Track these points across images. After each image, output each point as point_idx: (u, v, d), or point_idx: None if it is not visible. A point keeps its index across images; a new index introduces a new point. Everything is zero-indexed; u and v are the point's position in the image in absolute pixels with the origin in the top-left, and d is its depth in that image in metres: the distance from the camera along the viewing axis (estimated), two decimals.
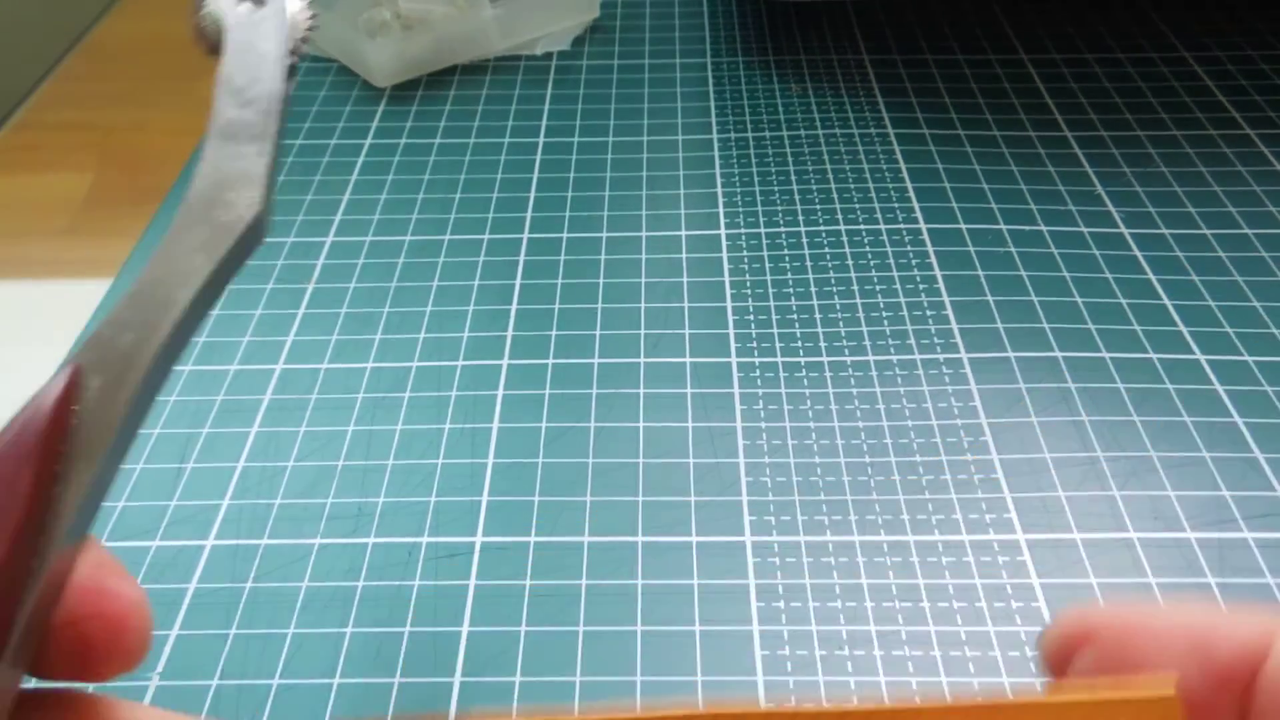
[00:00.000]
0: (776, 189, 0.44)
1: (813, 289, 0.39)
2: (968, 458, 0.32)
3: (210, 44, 0.20)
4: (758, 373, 0.35)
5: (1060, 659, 0.17)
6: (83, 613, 0.16)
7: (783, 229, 0.42)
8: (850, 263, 0.40)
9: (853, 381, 0.35)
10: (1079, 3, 0.56)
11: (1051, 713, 0.15)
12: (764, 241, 0.41)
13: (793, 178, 0.44)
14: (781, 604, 0.28)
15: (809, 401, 0.34)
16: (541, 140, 0.48)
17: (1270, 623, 0.16)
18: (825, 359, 0.36)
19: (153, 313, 0.17)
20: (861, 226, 0.41)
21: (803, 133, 0.47)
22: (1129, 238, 0.40)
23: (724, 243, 0.41)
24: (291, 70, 0.20)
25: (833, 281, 0.39)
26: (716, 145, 0.47)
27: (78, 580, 0.16)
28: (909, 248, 0.40)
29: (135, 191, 0.47)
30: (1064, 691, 0.15)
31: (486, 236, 0.42)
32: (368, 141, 0.48)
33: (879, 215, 0.42)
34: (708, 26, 0.56)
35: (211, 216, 0.18)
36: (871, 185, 0.44)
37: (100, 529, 0.31)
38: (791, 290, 0.39)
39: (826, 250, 0.40)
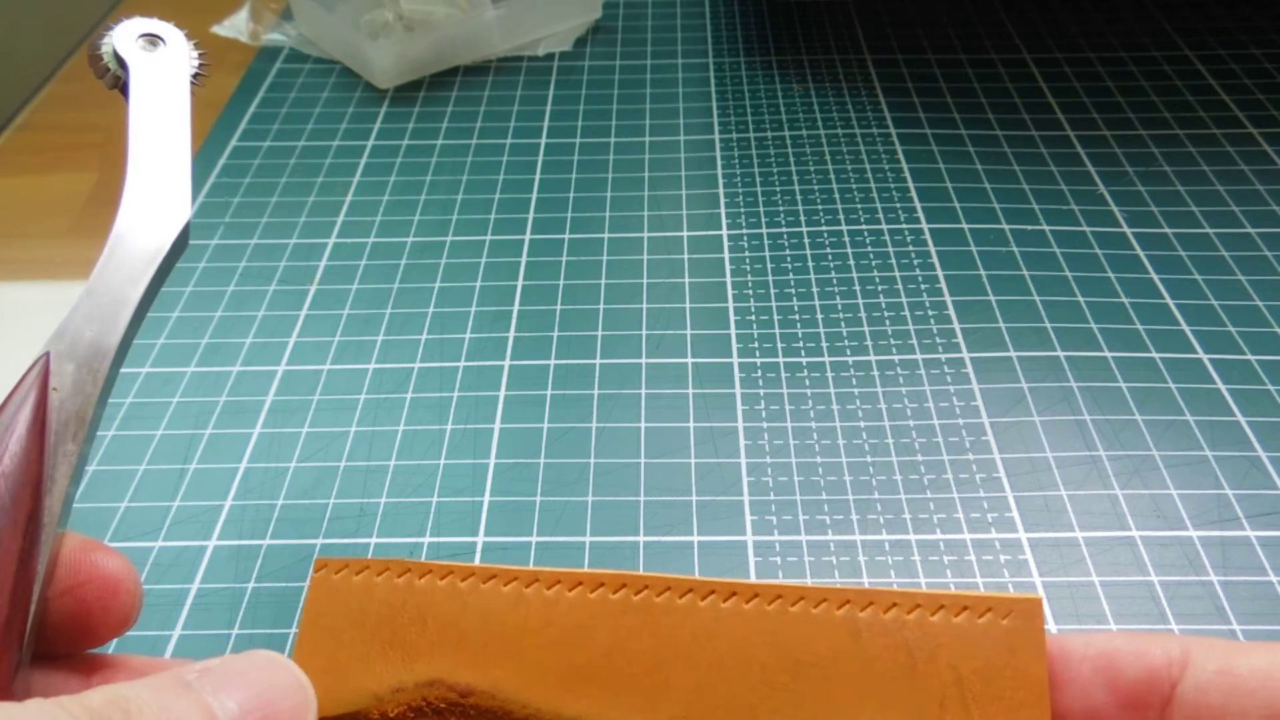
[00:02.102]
0: (778, 189, 0.44)
1: (814, 289, 0.39)
2: (970, 457, 0.32)
3: (111, 80, 0.24)
4: (759, 373, 0.35)
5: None
6: (77, 580, 0.16)
7: (784, 229, 0.42)
8: (852, 263, 0.40)
9: (854, 381, 0.35)
10: (1082, 1, 0.56)
11: (934, 600, 0.18)
12: (766, 242, 0.41)
13: (794, 178, 0.44)
14: None
15: (811, 401, 0.34)
16: (544, 141, 0.48)
17: (1176, 645, 0.16)
18: (827, 359, 0.36)
19: (110, 308, 0.20)
20: (863, 226, 0.41)
21: (804, 133, 0.47)
22: (1131, 237, 0.40)
23: (726, 243, 0.41)
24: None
25: (834, 281, 0.39)
26: (718, 145, 0.47)
27: (66, 554, 0.16)
28: (911, 247, 0.40)
29: None
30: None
31: (488, 237, 0.42)
32: (370, 143, 0.48)
33: (881, 215, 0.42)
34: (709, 26, 0.56)
35: (148, 226, 0.21)
36: (873, 185, 0.44)
37: (103, 529, 0.31)
38: (793, 290, 0.39)
39: (828, 250, 0.40)
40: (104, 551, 0.18)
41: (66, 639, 0.17)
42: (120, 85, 0.24)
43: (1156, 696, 0.16)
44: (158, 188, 0.22)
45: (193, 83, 0.24)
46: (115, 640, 0.28)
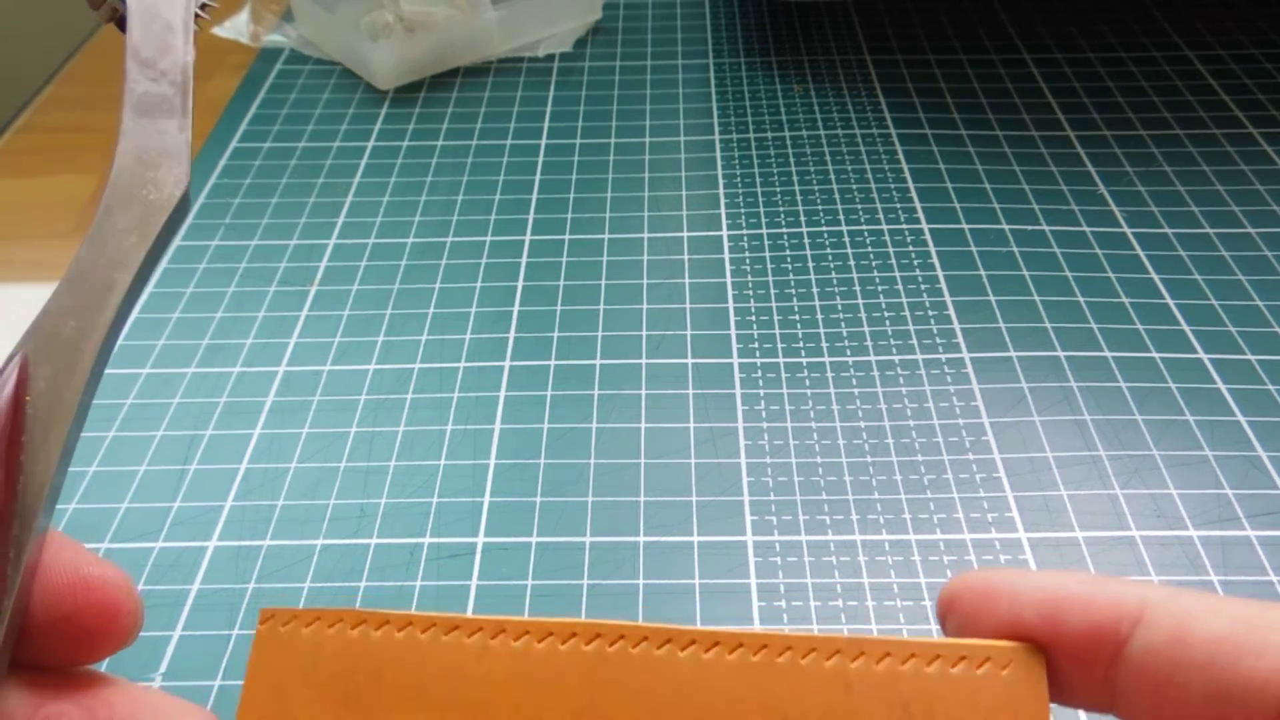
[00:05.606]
0: (778, 189, 0.44)
1: (814, 289, 0.39)
2: (970, 457, 0.32)
3: (108, 12, 0.20)
4: (759, 373, 0.35)
5: (945, 625, 0.17)
6: (76, 605, 0.16)
7: (785, 229, 0.42)
8: (852, 263, 0.40)
9: (855, 381, 0.35)
10: (1082, 1, 0.56)
11: (930, 649, 0.17)
12: (766, 242, 0.41)
13: (794, 178, 0.44)
14: (783, 603, 0.28)
15: (811, 401, 0.34)
16: (544, 142, 0.48)
17: (1133, 598, 0.15)
18: (827, 359, 0.36)
19: (93, 297, 0.17)
20: (863, 226, 0.41)
21: (804, 133, 0.47)
22: (1131, 237, 0.40)
23: (726, 243, 0.41)
24: (195, 37, 0.20)
25: (834, 282, 0.39)
26: (718, 146, 0.47)
27: (62, 575, 0.16)
28: (911, 248, 0.40)
29: None
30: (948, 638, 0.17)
31: (489, 238, 0.42)
32: (370, 144, 0.48)
33: (881, 215, 0.42)
34: (709, 27, 0.56)
35: (140, 196, 0.18)
36: (873, 185, 0.44)
37: (103, 530, 0.31)
38: (793, 291, 0.39)
39: (828, 250, 0.40)
40: (98, 564, 0.17)
41: (59, 657, 0.17)
42: (118, 19, 0.20)
43: (1102, 654, 0.15)
44: (153, 150, 0.18)
45: (199, 15, 0.20)
46: None
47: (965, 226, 0.41)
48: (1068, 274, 0.38)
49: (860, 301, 0.38)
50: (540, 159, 0.47)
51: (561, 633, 0.18)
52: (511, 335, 0.37)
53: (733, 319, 0.37)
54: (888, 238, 0.41)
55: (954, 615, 0.17)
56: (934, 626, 0.28)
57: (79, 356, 0.17)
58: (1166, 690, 0.15)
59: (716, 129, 0.48)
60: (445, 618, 0.18)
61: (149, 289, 0.40)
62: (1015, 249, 0.40)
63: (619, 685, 0.17)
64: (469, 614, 0.19)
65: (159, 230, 0.18)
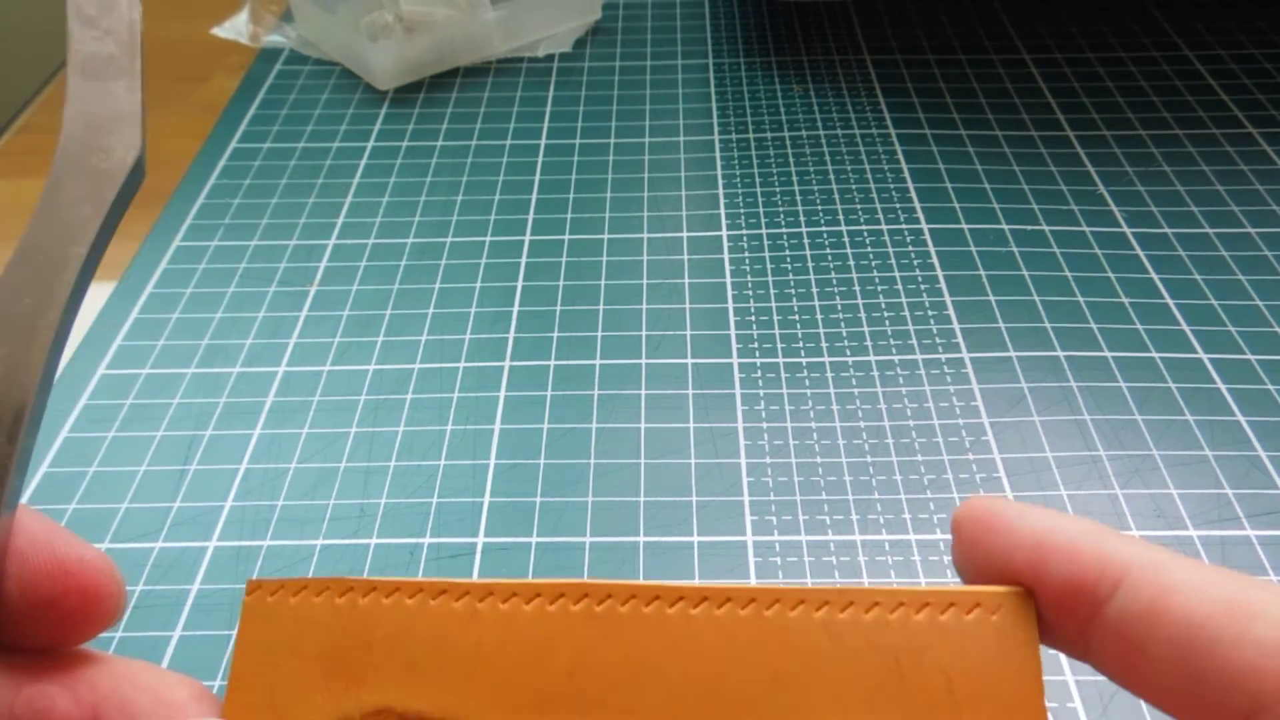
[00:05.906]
0: (778, 189, 0.44)
1: (814, 289, 0.39)
2: (970, 457, 0.32)
3: None
4: (759, 373, 0.35)
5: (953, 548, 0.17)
6: (55, 591, 0.16)
7: (784, 229, 0.42)
8: (852, 263, 0.40)
9: (854, 381, 0.35)
10: (1082, 1, 0.56)
11: (919, 597, 0.17)
12: (765, 242, 0.41)
13: (794, 178, 0.44)
14: None
15: (810, 402, 0.34)
16: (543, 142, 0.48)
17: (1118, 557, 0.15)
18: (827, 359, 0.36)
19: (48, 272, 0.16)
20: (863, 226, 0.41)
21: (804, 133, 0.47)
22: (1131, 237, 0.40)
23: (725, 243, 0.41)
24: None
25: (834, 282, 0.39)
26: (718, 146, 0.47)
27: (38, 560, 0.16)
28: (910, 248, 0.40)
29: (138, 194, 0.47)
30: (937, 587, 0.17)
31: (488, 239, 0.42)
32: (370, 144, 0.48)
33: (880, 215, 0.42)
34: (709, 27, 0.56)
35: (90, 164, 0.17)
36: (873, 185, 0.44)
37: (103, 530, 0.31)
38: (793, 291, 0.39)
39: (828, 250, 0.40)
40: (76, 545, 0.17)
41: (41, 640, 0.16)
42: None
43: (1080, 608, 0.15)
44: (102, 114, 0.18)
45: None
46: (117, 636, 0.28)
47: (965, 226, 0.41)
48: (1068, 274, 0.38)
49: (860, 301, 0.38)
50: (540, 159, 0.47)
51: (550, 593, 0.18)
52: (511, 335, 0.37)
53: (732, 319, 0.38)
54: (888, 238, 0.41)
55: (957, 542, 0.17)
56: None
57: (36, 334, 0.16)
58: (1138, 658, 0.14)
59: (716, 129, 0.48)
60: (432, 583, 0.18)
61: (148, 289, 0.40)
62: (1015, 249, 0.40)
63: (608, 644, 0.17)
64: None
65: (112, 199, 0.17)
